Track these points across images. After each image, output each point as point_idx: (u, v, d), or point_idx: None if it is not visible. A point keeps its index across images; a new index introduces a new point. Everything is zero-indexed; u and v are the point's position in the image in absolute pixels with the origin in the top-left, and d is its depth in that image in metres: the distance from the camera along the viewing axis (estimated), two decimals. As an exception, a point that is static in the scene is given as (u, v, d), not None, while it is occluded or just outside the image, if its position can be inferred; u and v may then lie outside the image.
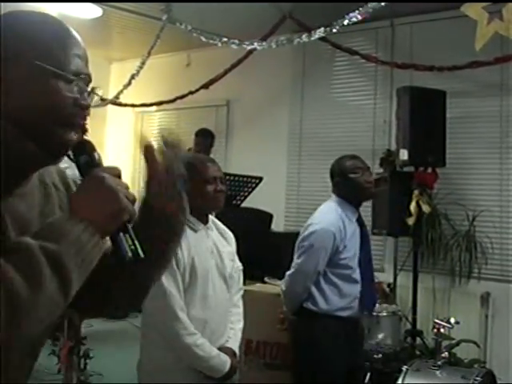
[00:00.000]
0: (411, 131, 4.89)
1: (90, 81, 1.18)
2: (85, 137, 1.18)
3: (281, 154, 6.73)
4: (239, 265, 2.88)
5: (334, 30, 5.22)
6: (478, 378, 3.10)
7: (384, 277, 5.56)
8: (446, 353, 3.58)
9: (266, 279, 4.66)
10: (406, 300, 5.25)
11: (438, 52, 5.47)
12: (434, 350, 3.73)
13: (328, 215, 3.36)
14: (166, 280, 2.43)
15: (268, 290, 4.32)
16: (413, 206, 4.93)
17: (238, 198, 5.67)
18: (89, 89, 1.17)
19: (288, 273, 3.38)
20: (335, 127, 6.35)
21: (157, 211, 1.25)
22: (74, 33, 1.18)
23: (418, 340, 4.84)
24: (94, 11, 6.08)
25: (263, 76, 6.87)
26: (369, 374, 4.17)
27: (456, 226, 5.38)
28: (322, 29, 5.31)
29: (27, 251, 0.98)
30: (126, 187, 1.12)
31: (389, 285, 5.41)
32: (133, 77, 6.85)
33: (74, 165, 1.17)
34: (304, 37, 5.49)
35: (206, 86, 6.72)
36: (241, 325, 2.82)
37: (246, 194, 5.69)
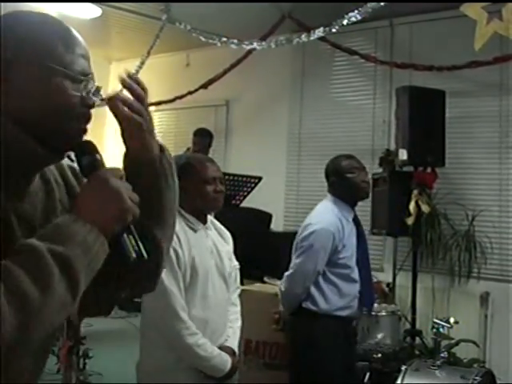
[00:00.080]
0: (410, 131, 4.89)
1: (93, 80, 1.19)
2: (85, 137, 1.18)
3: (280, 153, 6.73)
4: (236, 263, 2.89)
5: (334, 30, 5.22)
6: (477, 378, 3.10)
7: (383, 276, 5.56)
8: (446, 352, 3.59)
9: (265, 279, 4.66)
10: (405, 300, 5.25)
11: (437, 52, 5.48)
12: (434, 349, 3.73)
13: (326, 215, 3.36)
14: (167, 280, 2.43)
15: (267, 289, 4.32)
16: (412, 206, 4.93)
17: (238, 197, 5.67)
18: (92, 88, 1.18)
19: (287, 273, 3.37)
20: (334, 127, 6.35)
21: (136, 159, 1.23)
22: (76, 33, 1.18)
23: (418, 340, 4.84)
24: (94, 11, 6.08)
25: (262, 76, 6.87)
26: (368, 374, 4.18)
27: (455, 225, 5.38)
28: (322, 29, 5.31)
29: (35, 253, 0.98)
30: (129, 188, 1.13)
31: (388, 284, 5.41)
32: (132, 77, 6.84)
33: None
34: (303, 37, 5.49)
35: (205, 86, 6.72)
36: (239, 323, 2.83)
37: (246, 193, 5.69)
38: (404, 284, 5.34)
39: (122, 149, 1.25)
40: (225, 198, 2.78)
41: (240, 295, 2.95)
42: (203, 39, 5.99)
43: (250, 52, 6.21)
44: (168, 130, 8.08)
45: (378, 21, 5.82)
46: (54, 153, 1.14)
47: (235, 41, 5.86)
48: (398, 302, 5.20)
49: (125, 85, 1.19)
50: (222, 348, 2.62)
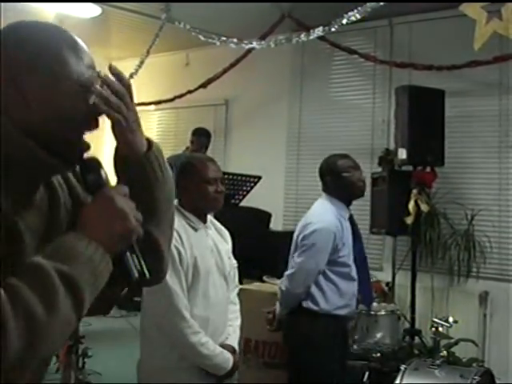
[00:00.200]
0: (410, 130, 4.89)
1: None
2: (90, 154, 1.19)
3: (279, 152, 6.73)
4: (234, 262, 2.90)
5: (333, 30, 5.23)
6: (476, 377, 3.11)
7: (382, 276, 5.56)
8: (445, 352, 3.60)
9: (264, 278, 4.66)
10: (404, 299, 5.25)
11: (436, 51, 5.47)
12: (433, 349, 3.73)
13: (326, 214, 3.37)
14: (170, 279, 2.45)
15: (267, 288, 4.32)
16: (411, 205, 4.93)
17: (237, 197, 5.67)
18: None
19: (287, 273, 3.36)
20: (334, 126, 6.35)
21: (121, 156, 1.24)
22: (82, 42, 1.19)
23: (417, 339, 4.83)
24: (93, 10, 6.07)
25: (262, 75, 6.87)
26: (367, 373, 4.18)
27: (454, 225, 5.38)
28: (321, 28, 5.32)
29: (42, 272, 0.99)
30: (133, 207, 1.14)
31: (387, 284, 5.41)
32: (131, 76, 6.84)
33: None
34: (303, 36, 5.50)
35: (204, 85, 6.72)
36: (239, 322, 2.85)
37: (245, 193, 5.70)
38: (403, 283, 5.34)
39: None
40: (224, 198, 2.79)
41: (239, 294, 2.96)
42: (203, 38, 5.99)
43: (249, 51, 6.21)
44: (167, 129, 8.09)
45: (377, 20, 5.81)
46: (64, 162, 1.15)
47: (235, 40, 5.86)
48: (397, 302, 5.20)
49: (103, 80, 1.18)
50: (222, 346, 2.64)
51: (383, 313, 4.43)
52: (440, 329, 3.49)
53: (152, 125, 8.17)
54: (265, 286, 4.49)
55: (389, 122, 5.82)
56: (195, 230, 2.64)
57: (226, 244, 2.83)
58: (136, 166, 1.23)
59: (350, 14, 4.95)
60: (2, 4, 5.31)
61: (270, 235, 5.64)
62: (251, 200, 5.73)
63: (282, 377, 3.68)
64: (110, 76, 1.20)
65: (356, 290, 3.45)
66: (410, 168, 5.05)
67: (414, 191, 4.95)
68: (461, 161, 5.42)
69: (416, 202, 4.94)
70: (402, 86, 5.17)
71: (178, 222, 2.59)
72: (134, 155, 1.23)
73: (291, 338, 3.46)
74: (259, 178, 5.63)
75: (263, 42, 5.84)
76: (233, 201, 5.56)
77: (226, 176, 4.38)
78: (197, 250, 2.58)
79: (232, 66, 6.47)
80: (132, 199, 1.15)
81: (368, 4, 4.76)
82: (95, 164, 1.18)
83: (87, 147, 1.17)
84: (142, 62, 6.69)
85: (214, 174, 2.68)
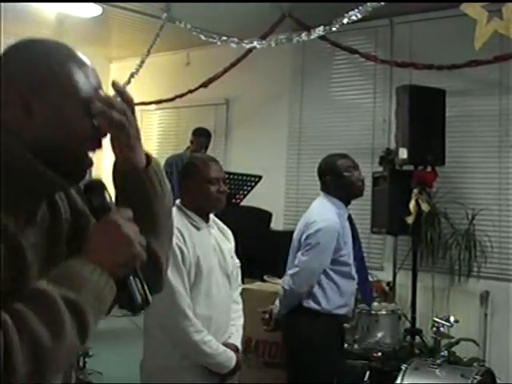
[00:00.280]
0: (410, 130, 4.89)
1: None
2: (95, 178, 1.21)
3: (280, 152, 6.72)
4: (237, 261, 2.92)
5: (334, 29, 5.23)
6: (477, 377, 3.11)
7: (383, 275, 5.56)
8: (446, 351, 3.59)
9: (265, 277, 4.66)
10: (405, 299, 5.25)
11: (437, 51, 5.47)
12: (434, 348, 3.74)
13: (328, 213, 3.37)
14: (172, 278, 2.46)
15: (267, 288, 4.32)
16: (412, 205, 4.93)
17: (238, 196, 5.67)
18: None
19: (291, 272, 3.33)
20: (335, 126, 6.35)
21: (120, 170, 1.24)
22: (89, 62, 1.20)
23: (418, 339, 4.84)
24: (94, 10, 6.07)
25: (262, 75, 6.86)
26: (368, 373, 4.18)
27: (455, 224, 5.38)
28: (322, 27, 5.32)
29: (49, 300, 1.01)
30: (137, 231, 1.15)
31: (388, 283, 5.40)
32: (132, 75, 6.85)
33: None
34: (303, 35, 5.50)
35: (205, 85, 6.72)
36: (241, 321, 2.86)
37: (246, 192, 5.70)
38: (404, 283, 5.34)
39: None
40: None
41: (241, 293, 2.97)
42: (203, 38, 6.00)
43: (250, 51, 6.20)
44: (168, 128, 8.09)
45: (378, 20, 5.81)
46: (68, 180, 1.16)
47: (235, 40, 5.86)
48: (398, 301, 5.20)
49: (106, 101, 1.17)
50: (225, 345, 2.65)
51: (384, 312, 4.43)
52: (441, 328, 3.49)
53: (153, 124, 8.18)
54: (265, 285, 4.49)
55: (389, 122, 5.82)
56: (198, 229, 2.66)
57: (228, 243, 2.84)
58: (135, 181, 1.24)
59: (350, 13, 4.95)
60: (2, 4, 5.31)
61: (271, 235, 5.64)
62: (252, 199, 5.73)
63: (282, 376, 3.68)
64: (113, 92, 1.21)
65: (354, 289, 3.47)
66: (411, 167, 5.05)
67: (415, 191, 4.95)
68: (461, 160, 5.42)
69: (417, 201, 4.94)
70: (403, 86, 5.17)
71: (181, 221, 2.61)
72: (134, 171, 1.24)
73: (291, 337, 3.45)
74: (260, 177, 5.63)
75: (264, 42, 5.84)
76: (233, 200, 5.56)
77: (226, 175, 4.37)
78: (199, 249, 2.60)
79: (233, 65, 6.47)
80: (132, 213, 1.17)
81: (369, 3, 4.76)
82: (99, 187, 1.19)
83: (90, 164, 1.18)
84: (142, 62, 6.69)
85: (217, 173, 2.70)
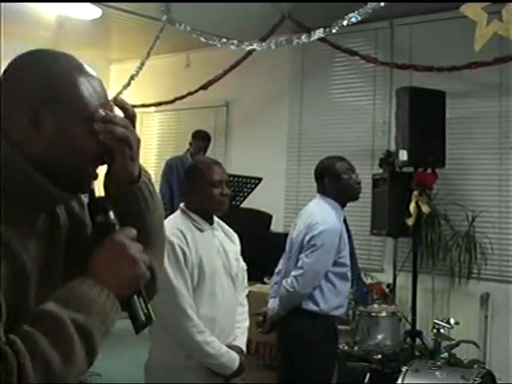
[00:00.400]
0: (411, 132, 4.89)
1: None
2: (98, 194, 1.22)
3: (280, 154, 6.73)
4: (243, 264, 2.93)
5: (334, 31, 5.23)
6: (477, 379, 3.11)
7: (383, 277, 5.56)
8: (446, 353, 3.59)
9: (265, 280, 4.66)
10: (405, 300, 5.24)
11: (437, 52, 5.48)
12: (434, 350, 3.73)
13: (329, 215, 3.38)
14: (175, 279, 2.47)
15: (267, 290, 4.31)
16: (412, 207, 4.93)
17: (238, 198, 5.67)
18: None
19: (295, 273, 3.31)
20: (334, 128, 6.35)
21: (115, 182, 1.24)
22: (96, 75, 1.20)
23: (418, 340, 4.83)
24: (94, 12, 6.07)
25: (262, 77, 6.87)
26: (368, 375, 4.18)
27: (455, 226, 5.38)
28: (322, 29, 5.32)
29: (58, 323, 1.02)
30: (141, 249, 1.16)
31: (388, 285, 5.41)
32: (132, 77, 6.86)
33: None
34: (303, 37, 5.50)
35: (205, 87, 6.73)
36: (247, 323, 2.86)
37: (246, 194, 5.69)
38: (404, 285, 5.34)
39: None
40: (226, 200, 2.81)
41: (247, 296, 2.97)
42: (203, 40, 6.00)
43: (249, 53, 6.21)
44: (168, 130, 8.09)
45: (377, 22, 5.81)
46: (68, 193, 1.17)
47: (235, 42, 5.86)
48: (398, 303, 5.19)
49: (110, 119, 1.17)
50: (230, 347, 2.65)
51: (384, 314, 4.43)
52: (441, 330, 3.49)
53: (153, 126, 8.18)
54: (266, 287, 4.48)
55: (389, 124, 5.82)
56: (201, 231, 2.67)
57: (233, 245, 2.85)
58: (129, 194, 1.24)
59: (350, 15, 4.95)
60: (2, 5, 5.32)
61: (271, 237, 5.64)
62: (252, 202, 5.73)
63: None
64: (116, 108, 1.22)
65: (348, 291, 3.48)
66: (411, 169, 5.05)
67: (415, 193, 4.95)
68: (461, 162, 5.42)
69: (417, 203, 4.94)
70: (403, 88, 5.17)
71: (184, 224, 2.62)
72: (129, 183, 1.24)
73: (288, 339, 3.43)
74: (260, 179, 5.63)
75: (264, 44, 5.84)
76: (233, 202, 5.56)
77: (226, 178, 4.37)
78: (202, 251, 2.60)
79: (232, 67, 6.48)
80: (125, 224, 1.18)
81: (368, 5, 4.76)
82: (104, 205, 1.19)
83: (95, 177, 1.19)
84: (142, 64, 6.70)
85: (220, 176, 2.72)
